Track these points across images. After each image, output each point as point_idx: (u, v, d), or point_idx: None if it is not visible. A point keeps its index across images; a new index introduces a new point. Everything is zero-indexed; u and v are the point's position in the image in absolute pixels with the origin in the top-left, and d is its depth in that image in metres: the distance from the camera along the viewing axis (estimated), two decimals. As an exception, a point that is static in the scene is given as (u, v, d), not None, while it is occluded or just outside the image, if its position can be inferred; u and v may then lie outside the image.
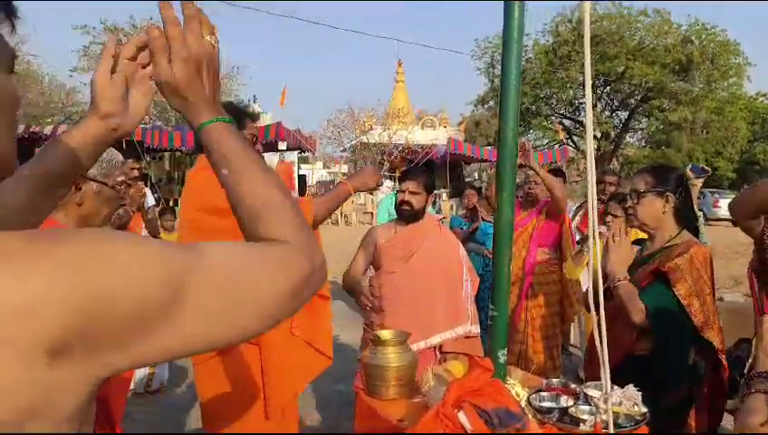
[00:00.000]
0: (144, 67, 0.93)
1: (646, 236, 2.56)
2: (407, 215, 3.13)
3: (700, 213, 2.60)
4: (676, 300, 2.21)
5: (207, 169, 0.99)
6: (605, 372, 1.77)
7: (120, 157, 1.99)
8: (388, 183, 23.72)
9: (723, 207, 22.48)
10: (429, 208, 3.34)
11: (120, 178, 1.90)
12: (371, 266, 3.32)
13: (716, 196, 23.36)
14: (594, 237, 1.77)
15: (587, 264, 3.85)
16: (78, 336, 0.51)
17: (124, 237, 0.59)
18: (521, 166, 3.91)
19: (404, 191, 3.14)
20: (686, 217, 2.42)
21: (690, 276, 2.22)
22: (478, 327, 3.11)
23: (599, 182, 5.06)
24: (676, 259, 2.24)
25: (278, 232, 0.77)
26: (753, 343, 1.67)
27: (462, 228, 5.39)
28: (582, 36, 1.69)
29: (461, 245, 3.33)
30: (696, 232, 2.45)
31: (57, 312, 0.50)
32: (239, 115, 2.51)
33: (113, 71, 0.90)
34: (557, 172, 4.83)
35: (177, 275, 0.59)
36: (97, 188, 1.82)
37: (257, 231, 0.78)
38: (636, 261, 2.44)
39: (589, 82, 1.67)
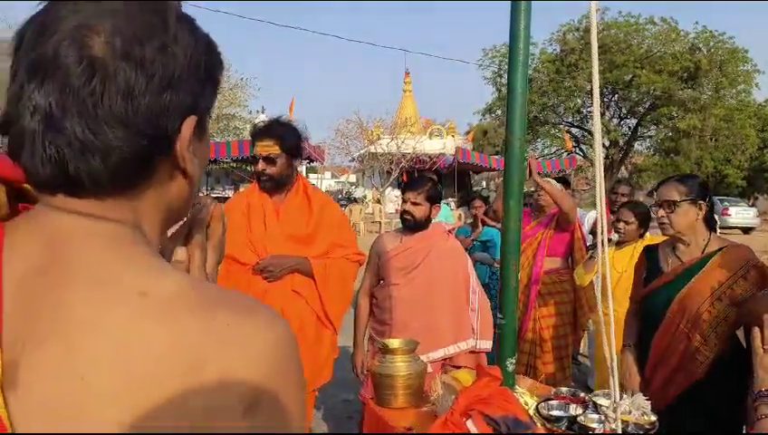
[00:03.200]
0: None
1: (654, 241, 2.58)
2: (409, 225, 3.10)
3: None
4: None
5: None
6: (614, 381, 1.77)
7: None
8: (396, 193, 23.75)
9: (732, 215, 22.31)
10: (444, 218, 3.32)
11: None
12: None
13: (726, 204, 23.18)
14: (603, 244, 1.77)
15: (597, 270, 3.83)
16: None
17: None
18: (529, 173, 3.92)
19: (406, 202, 3.11)
20: (712, 221, 2.52)
21: None
22: (489, 343, 3.06)
23: (612, 193, 5.05)
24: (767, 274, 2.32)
25: None
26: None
27: (466, 237, 5.40)
28: (590, 43, 1.70)
29: (468, 255, 3.30)
30: None
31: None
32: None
33: None
34: (561, 181, 4.82)
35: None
36: None
37: None
38: (680, 269, 2.45)
39: (596, 80, 1.68)
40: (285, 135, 2.77)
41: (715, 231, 2.57)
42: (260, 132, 2.81)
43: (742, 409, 2.21)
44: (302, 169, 20.44)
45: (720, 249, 2.40)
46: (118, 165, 0.55)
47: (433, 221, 3.19)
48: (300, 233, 2.81)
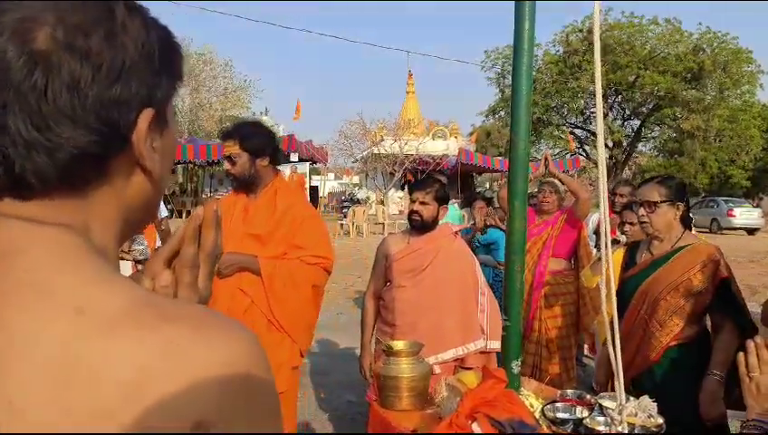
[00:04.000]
0: None
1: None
2: (417, 225, 3.09)
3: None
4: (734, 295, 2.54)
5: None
6: (619, 384, 1.76)
7: None
8: (399, 194, 23.78)
9: (737, 215, 22.24)
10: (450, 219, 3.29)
11: None
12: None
13: (730, 205, 23.11)
14: (607, 246, 1.76)
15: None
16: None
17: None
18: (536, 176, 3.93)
19: (414, 201, 3.10)
20: (687, 221, 2.72)
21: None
22: (499, 343, 3.06)
23: (612, 194, 5.04)
24: (721, 268, 2.49)
25: None
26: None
27: (466, 235, 5.39)
28: (593, 44, 1.69)
29: (475, 257, 3.29)
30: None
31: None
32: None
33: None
34: None
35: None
36: None
37: None
38: (648, 261, 2.65)
39: (599, 80, 1.68)
40: (246, 134, 2.76)
41: (690, 229, 2.78)
42: (223, 133, 2.85)
43: (696, 393, 2.39)
44: (306, 170, 20.50)
45: (688, 245, 2.58)
46: (67, 162, 0.53)
47: (440, 222, 3.18)
48: (260, 232, 2.76)
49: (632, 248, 2.87)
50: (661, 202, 2.57)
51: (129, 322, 0.49)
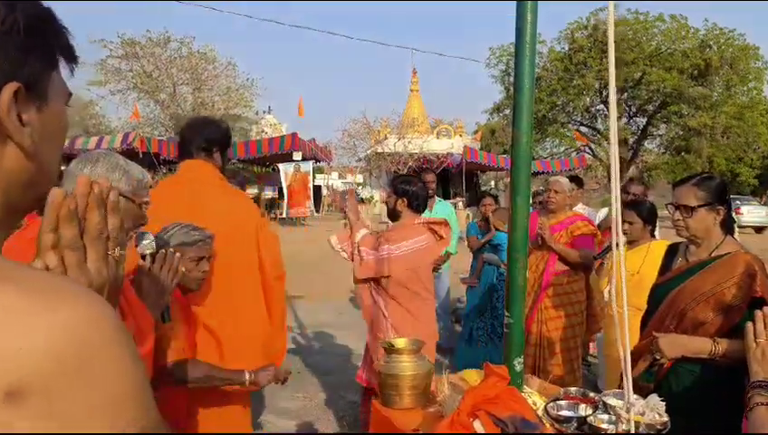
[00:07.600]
0: None
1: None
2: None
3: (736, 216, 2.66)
4: None
5: None
6: (627, 381, 1.73)
7: (149, 178, 1.98)
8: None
9: (744, 214, 22.11)
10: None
11: (146, 199, 1.87)
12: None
13: (738, 203, 22.96)
14: (618, 245, 1.72)
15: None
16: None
17: (130, 343, 0.55)
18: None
19: None
20: (729, 225, 2.45)
21: None
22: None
23: (623, 192, 4.97)
24: (756, 283, 2.22)
25: None
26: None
27: (478, 237, 5.38)
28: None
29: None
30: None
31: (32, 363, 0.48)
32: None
33: None
34: (574, 180, 4.78)
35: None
36: (123, 203, 1.83)
37: None
38: (682, 268, 2.45)
39: (613, 79, 1.64)
40: None
41: (732, 233, 2.48)
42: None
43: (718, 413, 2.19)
44: (309, 169, 20.43)
45: (726, 254, 2.34)
46: None
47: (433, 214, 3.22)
48: None
49: (670, 253, 2.65)
50: (699, 206, 2.33)
51: None
